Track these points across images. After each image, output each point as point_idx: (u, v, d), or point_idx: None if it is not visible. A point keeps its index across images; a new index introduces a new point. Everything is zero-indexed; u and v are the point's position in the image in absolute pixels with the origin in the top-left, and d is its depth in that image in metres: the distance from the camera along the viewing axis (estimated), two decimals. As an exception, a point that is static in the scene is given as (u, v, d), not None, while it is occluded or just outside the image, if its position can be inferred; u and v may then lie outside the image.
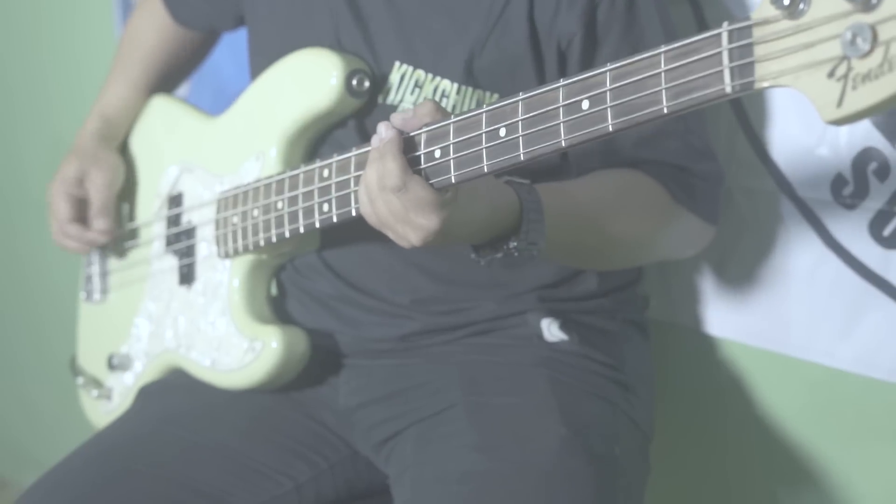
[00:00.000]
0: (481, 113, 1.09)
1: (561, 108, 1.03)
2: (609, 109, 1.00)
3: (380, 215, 1.14)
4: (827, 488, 1.50)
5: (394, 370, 1.41)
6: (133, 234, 1.63)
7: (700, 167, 1.34)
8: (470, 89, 1.32)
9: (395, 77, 1.34)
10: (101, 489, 1.35)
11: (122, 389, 1.62)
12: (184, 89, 1.79)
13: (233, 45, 1.76)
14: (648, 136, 1.29)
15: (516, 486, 1.22)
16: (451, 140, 1.11)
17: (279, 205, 1.35)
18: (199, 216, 1.51)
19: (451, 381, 1.36)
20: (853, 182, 1.37)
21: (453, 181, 1.10)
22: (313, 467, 1.42)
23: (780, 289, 1.48)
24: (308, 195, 1.30)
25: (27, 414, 2.91)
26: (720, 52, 0.92)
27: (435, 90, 1.33)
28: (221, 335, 1.46)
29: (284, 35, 1.43)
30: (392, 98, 1.35)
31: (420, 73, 1.33)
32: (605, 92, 1.00)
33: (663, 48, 0.96)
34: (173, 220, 1.55)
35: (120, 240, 1.64)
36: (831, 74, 0.85)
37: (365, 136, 1.37)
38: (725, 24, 0.92)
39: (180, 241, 1.53)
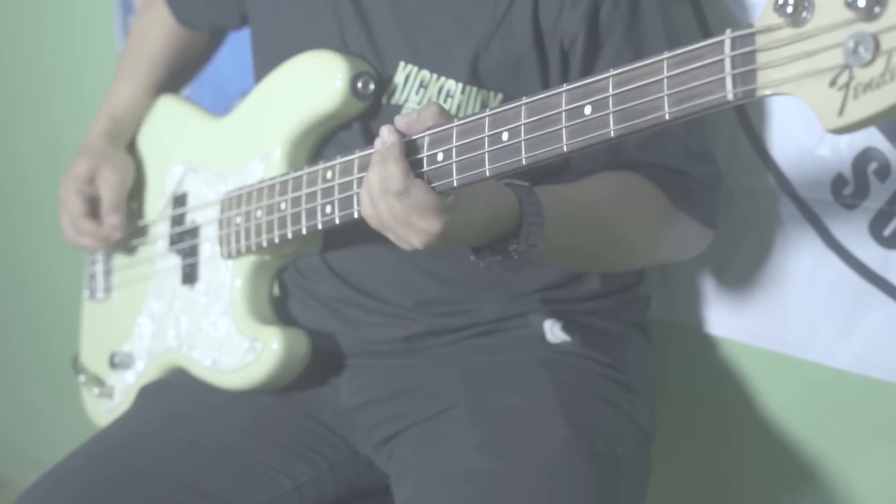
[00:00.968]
0: (484, 117, 1.09)
1: (563, 113, 1.03)
2: (611, 115, 1.00)
3: (381, 218, 1.14)
4: (827, 488, 1.50)
5: (396, 371, 1.41)
6: (137, 232, 1.63)
7: (699, 171, 1.34)
8: (474, 89, 1.32)
9: (399, 77, 1.35)
10: (102, 488, 1.35)
11: (124, 388, 1.62)
12: (184, 89, 1.79)
13: (233, 46, 1.76)
14: (648, 138, 1.30)
15: (519, 486, 1.22)
16: (454, 143, 1.11)
17: (282, 206, 1.35)
18: (203, 216, 1.51)
19: (454, 381, 1.36)
20: (853, 182, 1.37)
21: (455, 185, 1.11)
22: (314, 467, 1.42)
23: (781, 289, 1.48)
24: (311, 197, 1.30)
25: (27, 414, 2.91)
26: (723, 60, 0.92)
27: (440, 90, 1.33)
28: (223, 335, 1.46)
29: (288, 35, 1.43)
30: (397, 98, 1.35)
31: (425, 73, 1.33)
32: (607, 97, 1.00)
33: (666, 54, 0.96)
34: (177, 220, 1.55)
35: (124, 238, 1.64)
36: (833, 83, 0.85)
37: (369, 138, 1.37)
38: (728, 31, 0.92)
39: (184, 240, 1.54)
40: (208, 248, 1.50)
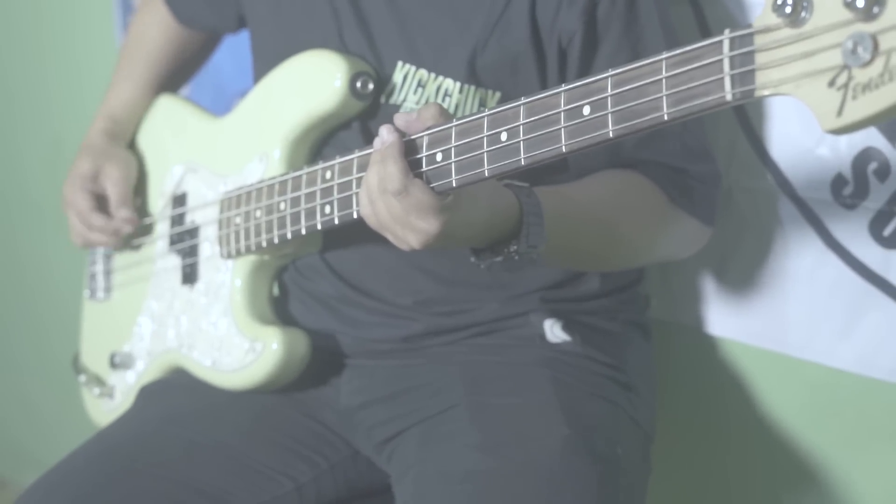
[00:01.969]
0: (483, 117, 1.09)
1: (562, 113, 1.03)
2: (610, 115, 1.00)
3: (380, 218, 1.14)
4: (827, 488, 1.50)
5: (396, 371, 1.41)
6: (137, 232, 1.63)
7: (697, 168, 1.34)
8: (473, 88, 1.32)
9: (398, 77, 1.35)
10: (102, 488, 1.35)
11: (124, 388, 1.62)
12: (184, 89, 1.79)
13: (233, 46, 1.76)
14: (646, 136, 1.29)
15: (519, 485, 1.22)
16: (453, 143, 1.11)
17: (281, 206, 1.35)
18: (203, 216, 1.51)
19: (454, 381, 1.36)
20: (853, 182, 1.37)
21: (454, 185, 1.11)
22: (314, 467, 1.42)
23: (781, 289, 1.48)
24: (310, 197, 1.31)
25: (27, 414, 2.91)
26: (721, 60, 0.92)
27: (438, 89, 1.33)
28: (223, 335, 1.46)
29: (286, 36, 1.43)
30: (395, 98, 1.35)
31: (423, 72, 1.33)
32: (606, 97, 1.00)
33: (665, 55, 0.96)
34: (177, 220, 1.56)
35: (124, 238, 1.64)
36: (832, 83, 0.85)
37: (369, 138, 1.37)
38: (727, 31, 0.92)
39: (183, 240, 1.54)
40: (208, 248, 1.50)
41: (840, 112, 0.84)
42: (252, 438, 1.43)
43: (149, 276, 1.59)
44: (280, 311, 1.49)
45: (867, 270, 1.39)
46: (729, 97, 0.92)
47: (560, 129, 1.03)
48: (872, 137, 1.35)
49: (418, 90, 1.34)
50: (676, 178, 1.32)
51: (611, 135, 1.00)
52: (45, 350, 2.73)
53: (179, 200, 1.56)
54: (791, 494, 1.56)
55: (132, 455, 1.39)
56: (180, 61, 1.70)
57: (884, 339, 1.39)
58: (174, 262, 1.55)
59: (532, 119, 1.05)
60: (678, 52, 0.95)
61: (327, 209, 1.28)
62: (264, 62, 1.47)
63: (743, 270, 1.51)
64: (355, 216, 1.24)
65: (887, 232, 1.36)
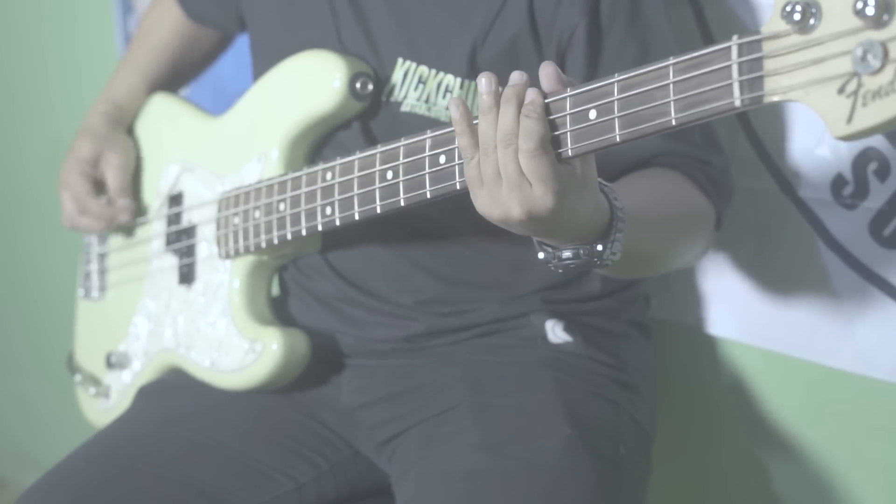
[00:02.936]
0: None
1: (568, 117, 1.03)
2: (616, 119, 1.00)
3: (485, 172, 1.04)
4: (826, 488, 1.50)
5: (397, 370, 1.41)
6: (133, 231, 1.63)
7: (718, 161, 1.33)
8: (474, 83, 1.31)
9: (398, 74, 1.34)
10: (102, 489, 1.35)
11: (121, 388, 1.62)
12: (184, 89, 1.79)
13: (233, 46, 1.76)
14: None
15: (521, 485, 1.22)
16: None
17: (281, 206, 1.35)
18: (200, 216, 1.51)
19: (455, 381, 1.36)
20: (853, 182, 1.37)
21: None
22: (314, 467, 1.42)
23: (781, 289, 1.48)
24: (311, 197, 1.30)
25: (27, 414, 2.91)
26: (730, 66, 0.92)
27: (439, 86, 1.33)
28: (222, 336, 1.46)
29: (285, 34, 1.43)
30: (396, 95, 1.35)
31: (423, 68, 1.33)
32: (612, 102, 1.00)
33: (672, 60, 0.96)
34: (173, 219, 1.55)
35: (119, 236, 1.64)
36: (841, 90, 0.85)
37: (369, 138, 1.37)
38: (735, 37, 0.92)
39: (180, 240, 1.53)
40: (205, 247, 1.49)
41: (850, 119, 0.84)
42: (252, 438, 1.42)
43: (144, 276, 1.59)
44: (280, 310, 1.49)
45: (867, 270, 1.39)
46: (738, 103, 0.92)
47: (566, 132, 1.03)
48: (872, 138, 1.35)
49: (419, 87, 1.34)
50: (705, 168, 1.31)
51: (617, 139, 1.00)
52: (44, 350, 2.73)
53: (175, 200, 1.55)
54: (791, 494, 1.56)
55: (132, 455, 1.39)
56: (187, 58, 1.70)
57: (883, 339, 1.39)
58: (171, 262, 1.55)
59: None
60: (686, 57, 0.95)
61: (328, 210, 1.28)
62: (263, 61, 1.47)
63: (743, 270, 1.51)
64: (357, 217, 1.24)
65: (887, 232, 1.36)
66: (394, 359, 1.41)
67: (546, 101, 1.04)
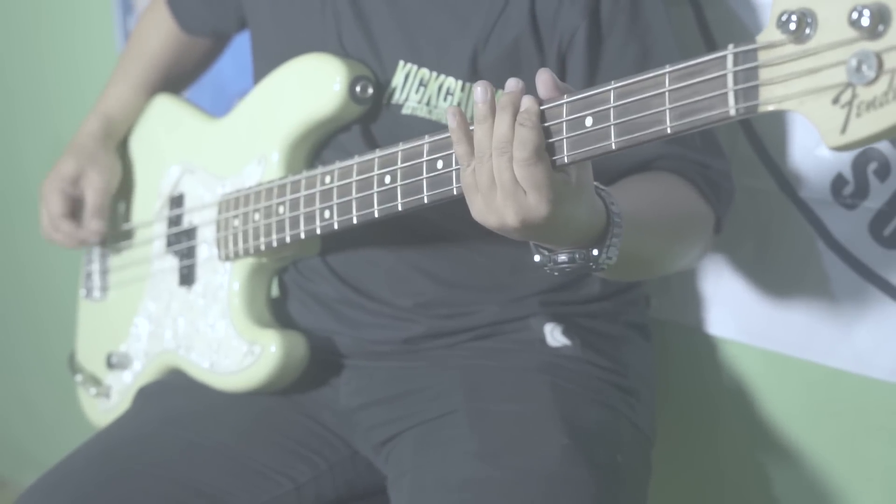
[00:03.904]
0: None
1: (564, 124, 1.03)
2: (612, 127, 1.00)
3: (480, 179, 1.04)
4: (826, 488, 1.50)
5: (396, 372, 1.41)
6: (134, 232, 1.63)
7: (718, 165, 1.33)
8: None
9: (399, 76, 1.34)
10: (102, 489, 1.35)
11: (121, 388, 1.62)
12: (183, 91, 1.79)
13: (233, 46, 1.76)
14: None
15: (517, 494, 1.21)
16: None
17: (280, 209, 1.35)
18: (201, 217, 1.51)
19: (453, 385, 1.35)
20: (853, 182, 1.37)
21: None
22: (313, 468, 1.42)
23: (780, 289, 1.48)
24: (309, 200, 1.30)
25: (27, 414, 2.91)
26: (725, 75, 0.92)
27: (440, 88, 1.33)
28: (221, 338, 1.46)
29: (286, 36, 1.43)
30: (397, 98, 1.35)
31: (424, 71, 1.33)
32: (608, 109, 1.00)
33: (668, 68, 0.96)
34: (174, 221, 1.55)
35: (121, 238, 1.64)
36: (836, 101, 0.85)
37: (369, 141, 1.37)
38: (731, 46, 0.92)
39: (181, 241, 1.53)
40: (206, 249, 1.49)
41: (844, 129, 0.84)
42: (251, 439, 1.42)
43: (145, 277, 1.59)
44: (280, 311, 1.49)
45: (867, 270, 1.39)
46: (733, 112, 0.92)
47: (562, 139, 1.03)
48: (872, 138, 1.35)
49: (420, 89, 1.34)
50: (704, 172, 1.31)
51: (613, 147, 1.00)
52: (44, 350, 2.72)
53: (177, 201, 1.55)
54: (791, 494, 1.56)
55: (131, 456, 1.39)
56: (180, 67, 1.70)
57: (883, 339, 1.39)
58: (171, 264, 1.55)
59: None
60: (682, 65, 0.95)
61: (326, 214, 1.28)
62: (264, 62, 1.47)
63: (743, 270, 1.51)
64: (355, 221, 1.24)
65: (887, 232, 1.36)
66: (392, 360, 1.41)
67: (542, 108, 1.04)
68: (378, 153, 1.21)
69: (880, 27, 0.83)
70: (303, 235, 1.32)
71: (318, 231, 1.30)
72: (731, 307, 1.53)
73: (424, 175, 1.13)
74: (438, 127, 1.26)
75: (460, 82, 1.32)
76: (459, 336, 1.39)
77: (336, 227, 1.27)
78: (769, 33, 0.89)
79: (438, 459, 1.28)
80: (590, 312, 1.41)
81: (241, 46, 1.67)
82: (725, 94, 0.92)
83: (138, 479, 1.36)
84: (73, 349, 1.74)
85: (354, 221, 1.24)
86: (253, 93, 1.48)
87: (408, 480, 1.30)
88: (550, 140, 1.03)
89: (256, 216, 1.39)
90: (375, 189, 1.21)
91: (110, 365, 1.62)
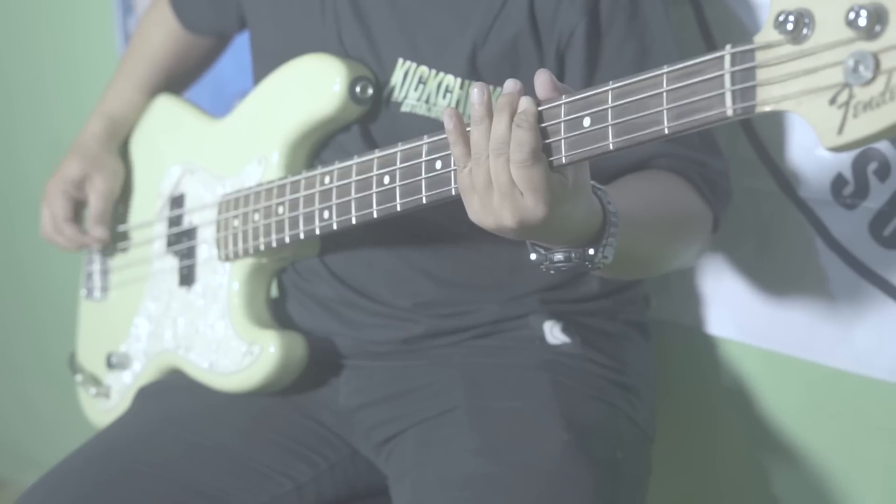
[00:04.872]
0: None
1: (562, 124, 1.03)
2: (610, 128, 1.00)
3: (476, 180, 1.04)
4: (826, 488, 1.50)
5: (395, 372, 1.41)
6: (135, 233, 1.63)
7: (715, 163, 1.33)
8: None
9: (398, 74, 1.34)
10: (102, 489, 1.35)
11: (121, 388, 1.62)
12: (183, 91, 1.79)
13: (233, 46, 1.76)
14: None
15: (517, 491, 1.22)
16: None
17: (280, 210, 1.35)
18: (201, 218, 1.51)
19: (453, 383, 1.36)
20: (853, 182, 1.37)
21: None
22: (313, 467, 1.42)
23: (780, 288, 1.48)
24: (308, 201, 1.30)
25: (27, 414, 2.91)
26: (722, 75, 0.92)
27: (439, 86, 1.33)
28: (220, 338, 1.46)
29: (286, 35, 1.43)
30: (396, 95, 1.35)
31: (423, 69, 1.33)
32: (606, 109, 1.00)
33: (666, 68, 0.96)
34: (174, 221, 1.55)
35: (121, 238, 1.64)
36: (833, 101, 0.85)
37: (369, 141, 1.37)
38: (728, 46, 0.92)
39: (181, 242, 1.53)
40: (205, 250, 1.50)
41: (841, 130, 0.84)
42: (251, 439, 1.42)
43: (146, 277, 1.59)
44: (279, 312, 1.49)
45: (867, 270, 1.39)
46: (730, 112, 0.92)
47: (560, 140, 1.03)
48: (872, 137, 1.35)
49: (419, 87, 1.34)
50: (701, 171, 1.31)
51: (611, 147, 1.00)
52: (44, 350, 2.73)
53: (177, 202, 1.56)
54: (791, 494, 1.56)
55: (132, 456, 1.39)
56: (182, 66, 1.70)
57: (883, 339, 1.39)
58: (171, 264, 1.55)
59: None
60: (679, 66, 0.95)
61: (325, 214, 1.28)
62: (264, 62, 1.47)
63: (743, 270, 1.51)
64: (354, 222, 1.24)
65: (887, 232, 1.36)
66: (392, 360, 1.41)
67: (540, 109, 1.04)
68: (377, 154, 1.22)
69: (877, 27, 0.83)
70: (302, 236, 1.32)
71: (318, 231, 1.30)
72: (730, 307, 1.53)
73: (423, 175, 1.13)
74: (437, 125, 1.26)
75: (459, 80, 1.32)
76: (459, 335, 1.39)
77: (335, 227, 1.27)
78: (767, 34, 0.89)
79: (439, 457, 1.28)
80: (589, 310, 1.41)
81: (241, 46, 1.67)
82: (723, 94, 0.92)
83: (138, 480, 1.36)
84: (73, 349, 1.74)
85: (353, 222, 1.24)
86: (253, 93, 1.48)
87: (409, 479, 1.30)
88: (548, 140, 1.04)
89: (256, 216, 1.39)
90: (374, 189, 1.21)
91: (110, 365, 1.62)
